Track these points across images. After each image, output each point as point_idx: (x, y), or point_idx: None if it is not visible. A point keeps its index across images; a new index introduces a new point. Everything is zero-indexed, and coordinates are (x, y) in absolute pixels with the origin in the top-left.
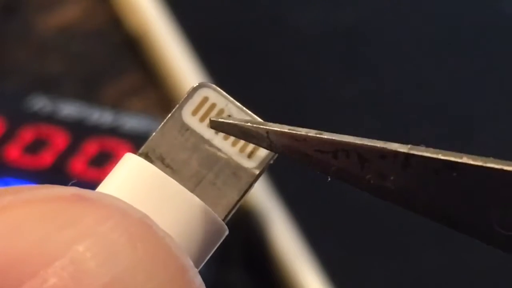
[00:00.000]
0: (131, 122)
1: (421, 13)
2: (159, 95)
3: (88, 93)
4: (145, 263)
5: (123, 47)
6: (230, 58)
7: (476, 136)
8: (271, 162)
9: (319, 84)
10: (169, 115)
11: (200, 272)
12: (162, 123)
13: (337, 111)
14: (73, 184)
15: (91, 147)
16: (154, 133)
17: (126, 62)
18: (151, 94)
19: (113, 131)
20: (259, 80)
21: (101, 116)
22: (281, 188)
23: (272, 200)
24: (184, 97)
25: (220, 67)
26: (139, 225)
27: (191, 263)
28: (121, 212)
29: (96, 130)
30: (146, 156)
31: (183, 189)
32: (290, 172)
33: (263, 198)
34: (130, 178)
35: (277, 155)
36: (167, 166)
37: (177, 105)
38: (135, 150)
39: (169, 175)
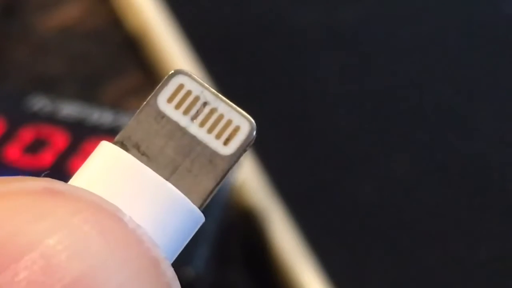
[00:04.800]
0: None
1: (421, 13)
2: None
3: (88, 93)
4: (116, 255)
5: (123, 47)
6: (230, 58)
7: (476, 136)
8: (247, 149)
9: (319, 84)
10: (145, 102)
11: (200, 272)
12: (138, 111)
13: (337, 111)
14: (46, 175)
15: (91, 147)
16: (129, 121)
17: (126, 62)
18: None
19: (113, 131)
20: (259, 80)
21: (101, 116)
22: (281, 188)
23: (272, 200)
24: (160, 84)
25: (220, 67)
26: (111, 218)
27: (164, 255)
28: (93, 205)
29: (96, 130)
30: (122, 144)
31: (158, 177)
32: (290, 172)
33: (263, 198)
34: (105, 166)
35: (253, 141)
36: (143, 154)
37: (153, 93)
38: None
39: (144, 163)
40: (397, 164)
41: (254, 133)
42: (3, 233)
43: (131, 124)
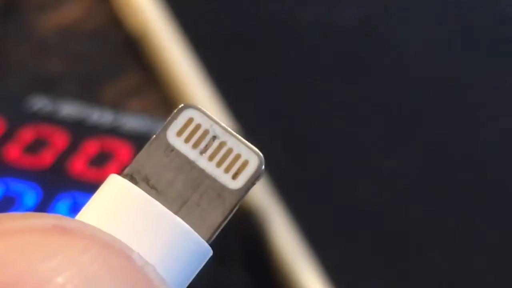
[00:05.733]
0: (131, 122)
1: (421, 14)
2: (159, 95)
3: (88, 93)
4: None
5: (123, 47)
6: (230, 58)
7: (477, 136)
8: (256, 182)
9: (319, 84)
10: (154, 136)
11: (200, 272)
12: (147, 144)
13: (337, 111)
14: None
15: (91, 147)
16: (139, 154)
17: (126, 62)
18: (151, 94)
19: (113, 131)
20: (259, 80)
21: (101, 116)
22: (281, 188)
23: (272, 200)
24: (169, 118)
25: (220, 67)
26: (119, 255)
27: None
28: (101, 243)
29: (96, 130)
30: (131, 178)
31: (167, 211)
32: (290, 172)
33: (263, 198)
34: (114, 200)
35: (262, 175)
36: (152, 187)
37: (162, 126)
38: (135, 150)
39: (153, 197)
40: (397, 164)
41: (263, 167)
42: (14, 272)
43: (141, 157)
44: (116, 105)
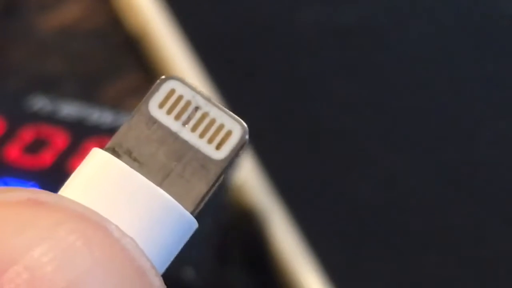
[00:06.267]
0: None
1: (421, 14)
2: None
3: (88, 93)
4: (100, 266)
5: (123, 47)
6: (230, 58)
7: (476, 137)
8: (240, 153)
9: (320, 84)
10: (136, 108)
11: (200, 272)
12: (129, 117)
13: (337, 111)
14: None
15: (91, 147)
16: (121, 128)
17: (126, 62)
18: None
19: (113, 131)
20: (259, 80)
21: (101, 116)
22: (281, 188)
23: (272, 200)
24: (150, 90)
25: (220, 67)
26: (96, 228)
27: (150, 264)
28: (78, 215)
29: (96, 130)
30: (113, 151)
31: (150, 183)
32: (290, 172)
33: (263, 198)
34: (96, 174)
35: (246, 145)
36: (134, 160)
37: (144, 98)
38: None
39: (136, 170)
40: (397, 164)
41: (247, 137)
42: None
43: (123, 130)
44: (116, 105)
